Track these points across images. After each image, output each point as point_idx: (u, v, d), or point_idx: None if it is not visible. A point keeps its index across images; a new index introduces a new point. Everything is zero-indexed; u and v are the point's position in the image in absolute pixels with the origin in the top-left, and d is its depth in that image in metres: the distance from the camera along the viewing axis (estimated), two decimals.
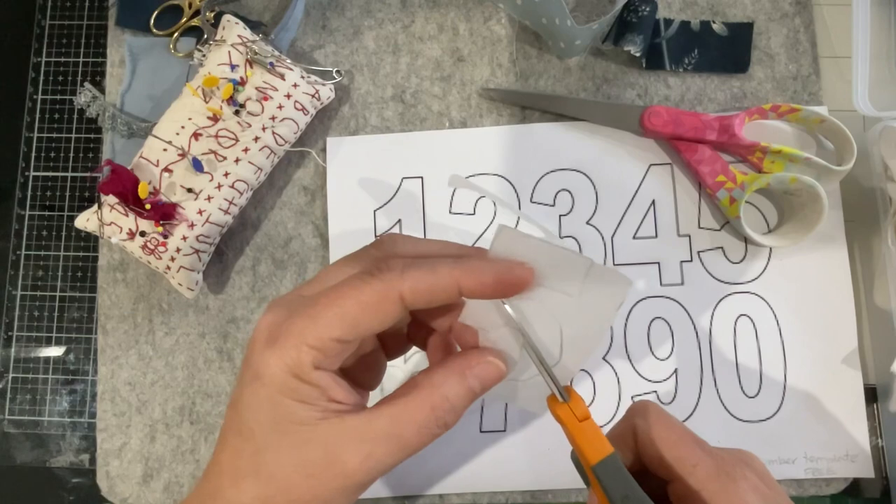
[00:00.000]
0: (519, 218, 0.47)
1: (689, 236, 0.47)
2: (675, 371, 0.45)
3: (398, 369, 0.46)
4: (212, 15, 0.49)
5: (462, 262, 0.27)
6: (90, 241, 0.49)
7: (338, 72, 0.48)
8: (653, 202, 0.47)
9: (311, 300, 0.26)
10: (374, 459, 0.26)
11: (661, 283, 0.46)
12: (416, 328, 0.32)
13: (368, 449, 0.26)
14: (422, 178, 0.48)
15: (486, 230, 0.47)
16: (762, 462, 0.29)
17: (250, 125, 0.44)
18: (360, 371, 0.30)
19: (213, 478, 0.27)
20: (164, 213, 0.42)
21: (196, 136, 0.43)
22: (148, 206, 0.42)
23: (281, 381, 0.25)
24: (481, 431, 0.45)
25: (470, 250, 0.30)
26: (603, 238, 0.47)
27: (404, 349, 0.33)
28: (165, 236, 0.43)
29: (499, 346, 0.29)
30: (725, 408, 0.45)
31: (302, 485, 0.25)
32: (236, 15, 0.47)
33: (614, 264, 0.46)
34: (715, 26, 0.48)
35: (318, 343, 0.25)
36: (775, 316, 0.46)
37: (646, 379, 0.45)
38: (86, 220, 0.44)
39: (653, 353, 0.45)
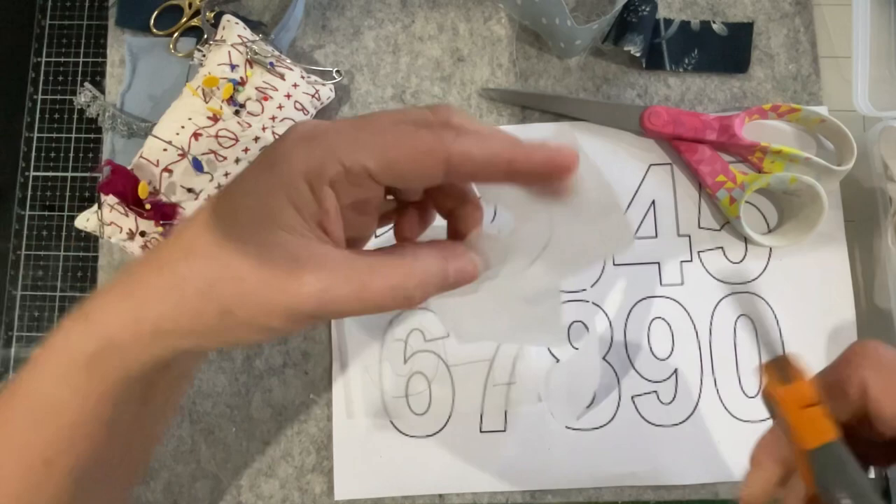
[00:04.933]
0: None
1: (689, 236, 0.47)
2: (675, 371, 0.45)
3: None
4: (212, 15, 0.49)
5: (514, 140, 0.26)
6: (90, 241, 0.49)
7: (338, 72, 0.48)
8: (653, 202, 0.47)
9: (358, 124, 0.25)
10: (332, 293, 0.24)
11: (661, 283, 0.46)
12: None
13: (331, 280, 0.24)
14: None
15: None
16: None
17: (250, 125, 0.44)
18: (353, 226, 0.28)
19: (169, 248, 0.25)
20: (164, 213, 0.42)
21: (196, 136, 0.43)
22: (148, 206, 0.42)
23: (291, 178, 0.24)
24: (481, 431, 0.45)
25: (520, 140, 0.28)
26: None
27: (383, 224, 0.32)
28: (165, 236, 0.43)
29: (488, 246, 0.28)
30: (725, 408, 0.45)
31: (254, 283, 0.24)
32: (236, 15, 0.47)
33: (614, 265, 0.46)
34: (715, 26, 0.48)
35: (348, 162, 0.24)
36: (775, 316, 0.46)
37: (646, 379, 0.45)
38: (86, 220, 0.44)
39: (653, 353, 0.45)
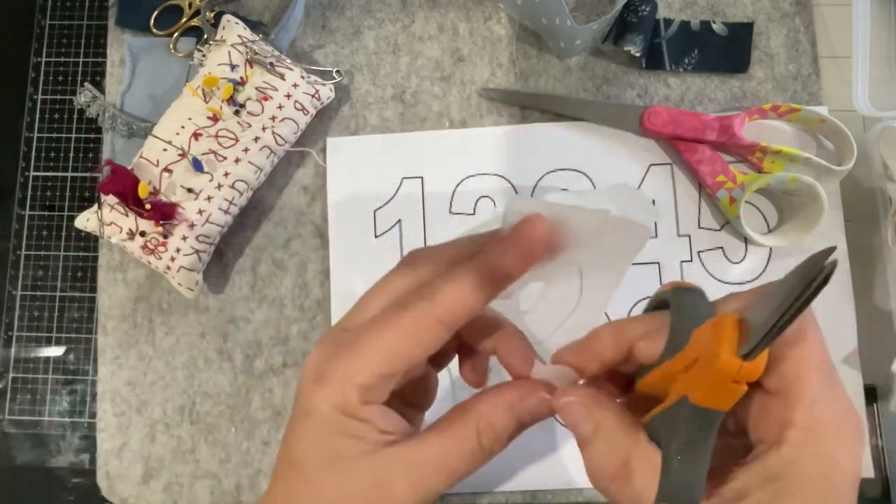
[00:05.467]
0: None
1: (689, 236, 0.47)
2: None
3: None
4: (212, 15, 0.49)
5: (480, 262, 0.26)
6: (90, 241, 0.49)
7: (338, 72, 0.48)
8: (653, 202, 0.47)
9: (353, 335, 0.26)
10: (424, 487, 0.26)
11: (660, 283, 0.46)
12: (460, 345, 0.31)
13: (417, 477, 0.26)
14: (422, 178, 0.48)
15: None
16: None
17: (250, 125, 0.44)
18: (412, 392, 0.30)
19: None
20: (164, 213, 0.42)
21: (196, 136, 0.43)
22: (148, 206, 0.42)
23: (330, 419, 0.25)
24: None
25: (484, 239, 0.29)
26: None
27: (451, 358, 0.33)
28: (165, 236, 0.43)
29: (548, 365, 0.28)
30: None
31: None
32: (236, 15, 0.47)
33: None
34: (715, 26, 0.48)
35: (363, 380, 0.25)
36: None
37: None
38: (86, 220, 0.44)
39: None
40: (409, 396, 0.30)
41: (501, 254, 0.26)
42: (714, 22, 0.48)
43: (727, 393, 0.21)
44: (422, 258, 0.29)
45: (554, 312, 0.29)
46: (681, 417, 0.22)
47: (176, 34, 0.49)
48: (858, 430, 0.23)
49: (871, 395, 0.45)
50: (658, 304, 0.27)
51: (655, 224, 0.47)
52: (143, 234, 0.43)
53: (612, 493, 0.24)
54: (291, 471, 0.27)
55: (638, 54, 0.46)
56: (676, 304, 0.24)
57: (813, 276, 0.19)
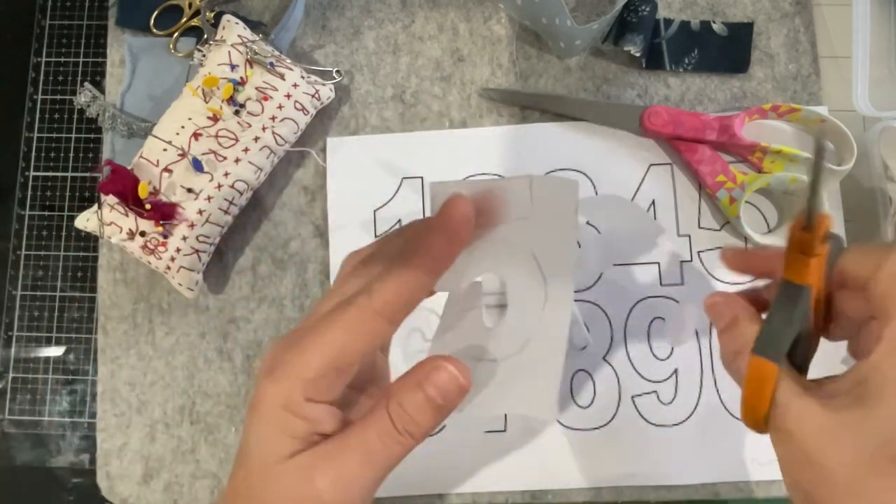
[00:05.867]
0: None
1: (689, 236, 0.47)
2: (675, 371, 0.45)
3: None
4: (212, 15, 0.49)
5: (410, 252, 0.27)
6: (90, 241, 0.49)
7: (338, 72, 0.48)
8: (653, 202, 0.47)
9: (301, 333, 0.27)
10: (345, 478, 0.26)
11: (661, 283, 0.46)
12: None
13: (337, 468, 0.26)
14: (422, 178, 0.48)
15: None
16: None
17: (250, 125, 0.44)
18: (365, 380, 0.30)
19: (223, 498, 0.28)
20: (164, 213, 0.42)
21: (196, 136, 0.43)
22: (148, 206, 0.42)
23: (273, 414, 0.26)
24: (481, 431, 0.45)
25: (409, 230, 0.30)
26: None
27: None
28: (165, 236, 0.43)
29: (467, 327, 0.28)
30: (725, 408, 0.45)
31: None
32: (236, 15, 0.47)
33: (614, 265, 0.46)
34: (715, 26, 0.48)
35: (308, 374, 0.26)
36: None
37: (646, 379, 0.45)
38: (86, 220, 0.44)
39: (653, 353, 0.45)
40: (363, 384, 0.30)
41: (429, 240, 0.27)
42: (714, 22, 0.48)
43: (798, 264, 0.27)
44: (367, 260, 0.30)
45: (519, 321, 0.29)
46: (778, 293, 0.28)
47: (176, 34, 0.49)
48: None
49: None
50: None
51: (656, 221, 0.47)
52: (143, 234, 0.43)
53: (734, 368, 0.29)
54: (242, 461, 0.27)
55: (638, 54, 0.46)
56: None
57: (816, 152, 0.25)
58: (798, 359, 0.29)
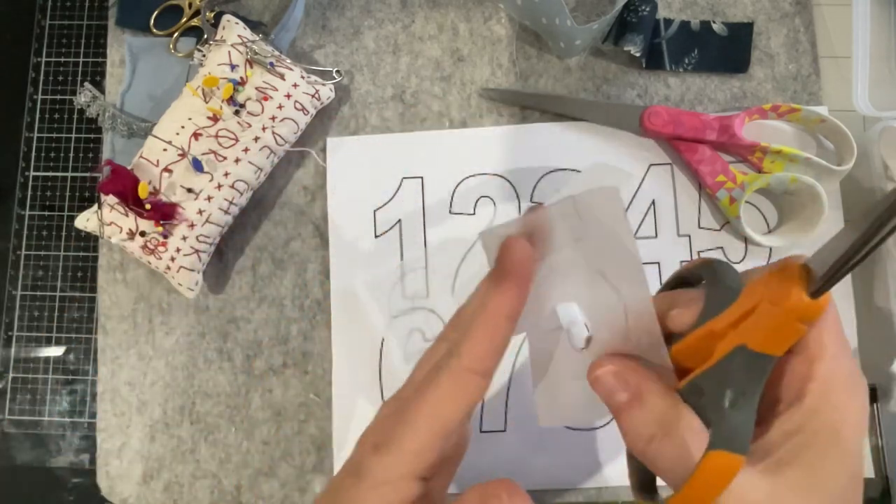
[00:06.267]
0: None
1: (689, 236, 0.47)
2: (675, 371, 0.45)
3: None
4: (212, 15, 0.49)
5: (484, 305, 0.27)
6: (90, 241, 0.49)
7: (338, 72, 0.48)
8: (653, 202, 0.47)
9: (405, 403, 0.27)
10: None
11: (661, 283, 0.46)
12: None
13: None
14: (422, 178, 0.48)
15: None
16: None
17: (250, 125, 0.44)
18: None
19: None
20: (164, 213, 0.42)
21: (196, 136, 0.43)
22: (148, 206, 0.42)
23: (379, 489, 0.26)
24: (481, 431, 0.45)
25: (480, 288, 0.29)
26: None
27: None
28: (165, 236, 0.43)
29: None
30: None
31: None
32: (236, 15, 0.47)
33: None
34: (715, 26, 0.48)
35: (418, 447, 0.26)
36: None
37: None
38: (86, 220, 0.44)
39: None
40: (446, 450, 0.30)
41: (498, 288, 0.26)
42: (714, 22, 0.48)
43: (789, 333, 0.22)
44: (448, 327, 0.29)
45: (606, 327, 0.29)
46: (734, 368, 0.23)
47: (176, 34, 0.49)
48: (865, 388, 0.25)
49: (872, 395, 0.45)
50: (677, 282, 0.28)
51: (655, 223, 0.47)
52: (143, 234, 0.43)
53: (651, 455, 0.25)
54: None
55: (638, 54, 0.46)
56: (714, 272, 0.26)
57: (888, 214, 0.19)
58: None
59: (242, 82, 0.44)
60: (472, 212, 0.47)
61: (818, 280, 0.21)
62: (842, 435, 0.23)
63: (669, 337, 0.26)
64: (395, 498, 0.26)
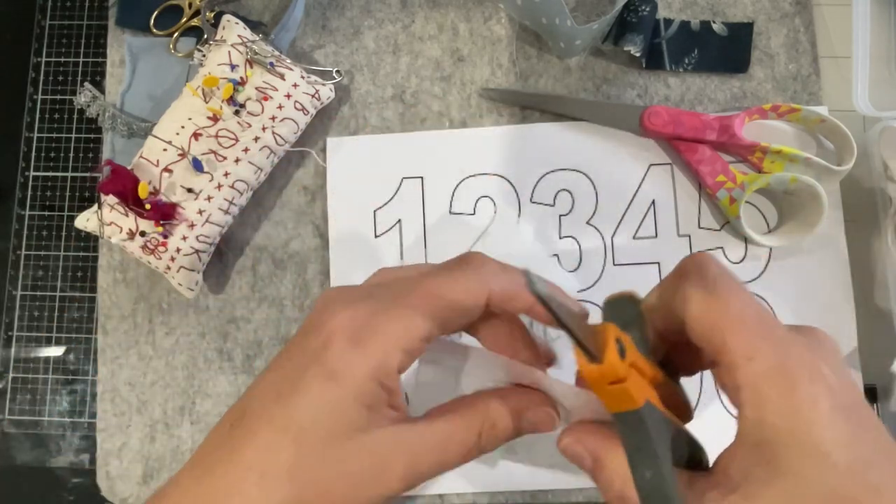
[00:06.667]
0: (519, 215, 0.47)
1: (689, 236, 0.47)
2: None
3: None
4: (212, 15, 0.49)
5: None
6: (90, 241, 0.49)
7: (338, 72, 0.48)
8: (653, 202, 0.47)
9: (401, 293, 0.25)
10: (417, 472, 0.25)
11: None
12: None
13: (414, 461, 0.25)
14: (422, 178, 0.48)
15: (485, 230, 0.47)
16: (836, 345, 0.23)
17: (250, 125, 0.44)
18: None
19: (232, 472, 0.24)
20: (164, 213, 0.42)
21: (196, 136, 0.43)
22: (148, 206, 0.42)
23: (360, 386, 0.24)
24: None
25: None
26: (603, 238, 0.47)
27: None
28: (165, 236, 0.43)
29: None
30: (725, 408, 0.45)
31: (343, 493, 0.24)
32: (236, 15, 0.47)
33: (614, 264, 0.46)
34: (715, 26, 0.48)
35: (409, 344, 0.24)
36: (775, 316, 0.46)
37: None
38: (86, 220, 0.44)
39: None
40: None
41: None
42: (714, 22, 0.48)
43: (613, 394, 0.22)
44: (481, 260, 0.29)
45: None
46: (618, 429, 0.23)
47: (176, 34, 0.49)
48: (816, 371, 0.21)
49: (871, 395, 0.45)
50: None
51: (655, 223, 0.47)
52: (143, 234, 0.43)
53: None
54: (277, 434, 0.24)
55: (638, 54, 0.46)
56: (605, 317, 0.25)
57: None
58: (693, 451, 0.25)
59: (242, 82, 0.44)
60: (472, 212, 0.47)
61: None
62: (798, 436, 0.20)
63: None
64: (367, 397, 0.24)
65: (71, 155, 0.50)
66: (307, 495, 0.23)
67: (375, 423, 0.24)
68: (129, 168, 0.43)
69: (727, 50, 0.48)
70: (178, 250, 0.43)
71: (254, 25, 0.48)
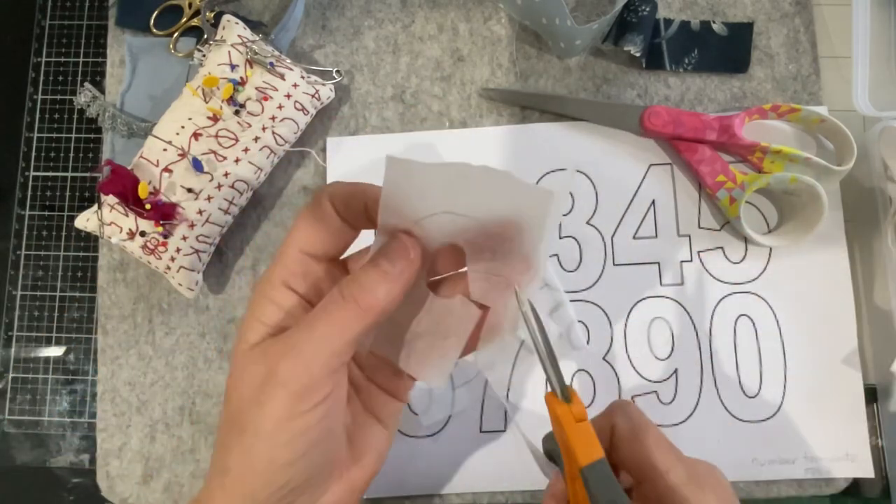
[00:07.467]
0: None
1: (689, 236, 0.47)
2: (675, 371, 0.45)
3: None
4: (212, 15, 0.49)
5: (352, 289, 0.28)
6: (90, 241, 0.49)
7: (338, 72, 0.48)
8: (653, 202, 0.47)
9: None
10: (305, 359, 0.26)
11: (661, 283, 0.46)
12: None
13: (297, 350, 0.26)
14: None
15: None
16: (727, 479, 0.31)
17: (250, 125, 0.44)
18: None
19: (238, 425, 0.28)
20: (164, 213, 0.42)
21: (196, 136, 0.43)
22: (148, 206, 0.42)
23: (253, 302, 0.29)
24: (481, 431, 0.45)
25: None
26: (603, 238, 0.47)
27: None
28: (165, 236, 0.43)
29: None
30: (725, 408, 0.45)
31: (256, 413, 0.27)
32: (236, 15, 0.47)
33: (614, 264, 0.46)
34: (715, 26, 0.48)
35: (284, 259, 0.29)
36: (775, 316, 0.46)
37: (646, 379, 0.45)
38: (86, 220, 0.44)
39: (653, 353, 0.45)
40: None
41: (374, 286, 0.28)
42: (714, 22, 0.48)
43: (580, 435, 0.28)
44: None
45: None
46: (587, 486, 0.27)
47: (176, 34, 0.49)
48: (713, 474, 0.31)
49: (871, 395, 0.45)
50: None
51: (655, 223, 0.47)
52: (143, 234, 0.43)
53: None
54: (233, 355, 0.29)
55: (638, 54, 0.46)
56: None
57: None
58: None
59: (242, 82, 0.44)
60: None
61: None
62: None
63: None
64: (259, 311, 0.28)
65: (71, 155, 0.50)
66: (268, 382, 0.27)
67: (269, 334, 0.28)
68: (129, 168, 0.43)
69: (727, 50, 0.48)
70: (178, 250, 0.43)
71: (254, 25, 0.48)
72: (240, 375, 0.28)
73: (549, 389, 0.30)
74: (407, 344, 0.31)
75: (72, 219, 0.47)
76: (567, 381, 0.29)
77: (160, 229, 0.43)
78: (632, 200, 0.47)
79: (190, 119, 0.43)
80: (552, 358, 0.29)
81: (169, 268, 0.44)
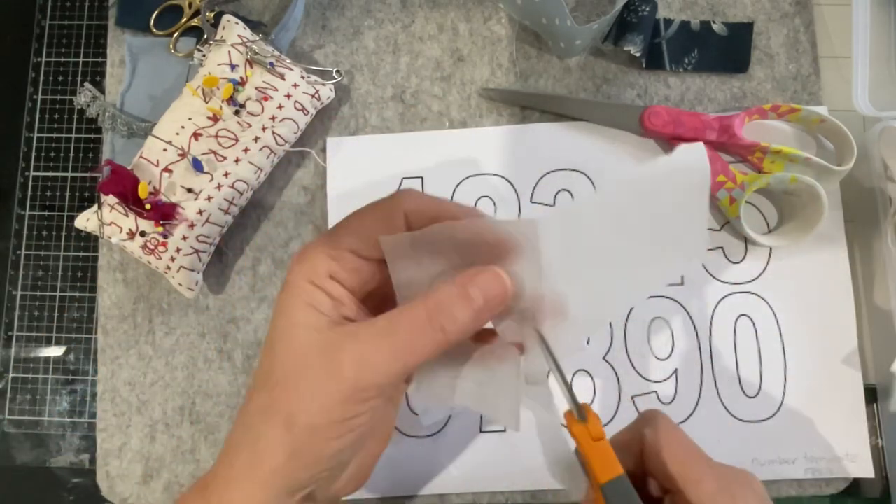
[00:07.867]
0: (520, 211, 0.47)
1: None
2: (675, 371, 0.45)
3: None
4: (212, 15, 0.49)
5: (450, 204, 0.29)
6: (90, 241, 0.49)
7: (338, 72, 0.48)
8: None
9: (336, 224, 0.30)
10: (369, 361, 0.26)
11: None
12: None
13: (361, 349, 0.26)
14: (422, 178, 0.48)
15: None
16: (762, 485, 0.30)
17: (250, 125, 0.44)
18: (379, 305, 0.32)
19: (253, 417, 0.28)
20: (164, 213, 0.42)
21: (196, 136, 0.43)
22: (148, 206, 0.42)
23: (300, 287, 0.28)
24: (481, 431, 0.45)
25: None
26: None
27: None
28: (165, 236, 0.43)
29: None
30: (725, 408, 0.45)
31: (308, 397, 0.26)
32: (236, 15, 0.47)
33: None
34: (715, 26, 0.48)
35: (333, 253, 0.28)
36: (775, 316, 0.46)
37: (646, 379, 0.45)
38: (86, 220, 0.44)
39: (653, 353, 0.45)
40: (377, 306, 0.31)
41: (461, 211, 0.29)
42: (714, 22, 0.48)
43: (598, 453, 0.28)
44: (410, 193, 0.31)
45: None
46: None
47: (176, 34, 0.49)
48: (746, 482, 0.30)
49: (871, 395, 0.45)
50: None
51: None
52: (143, 234, 0.43)
53: None
54: (267, 351, 0.28)
55: (638, 54, 0.46)
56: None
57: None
58: None
59: (242, 82, 0.44)
60: None
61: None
62: None
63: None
64: (310, 297, 0.28)
65: (71, 155, 0.50)
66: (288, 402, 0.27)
67: (324, 324, 0.27)
68: (129, 168, 0.43)
69: (727, 50, 0.48)
70: (178, 250, 0.43)
71: (254, 25, 0.48)
72: (294, 364, 0.27)
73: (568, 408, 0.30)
74: (458, 387, 0.31)
75: (72, 219, 0.47)
76: (567, 380, 0.29)
77: (160, 229, 0.43)
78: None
79: (190, 119, 0.43)
80: (564, 380, 0.29)
81: (169, 268, 0.44)
